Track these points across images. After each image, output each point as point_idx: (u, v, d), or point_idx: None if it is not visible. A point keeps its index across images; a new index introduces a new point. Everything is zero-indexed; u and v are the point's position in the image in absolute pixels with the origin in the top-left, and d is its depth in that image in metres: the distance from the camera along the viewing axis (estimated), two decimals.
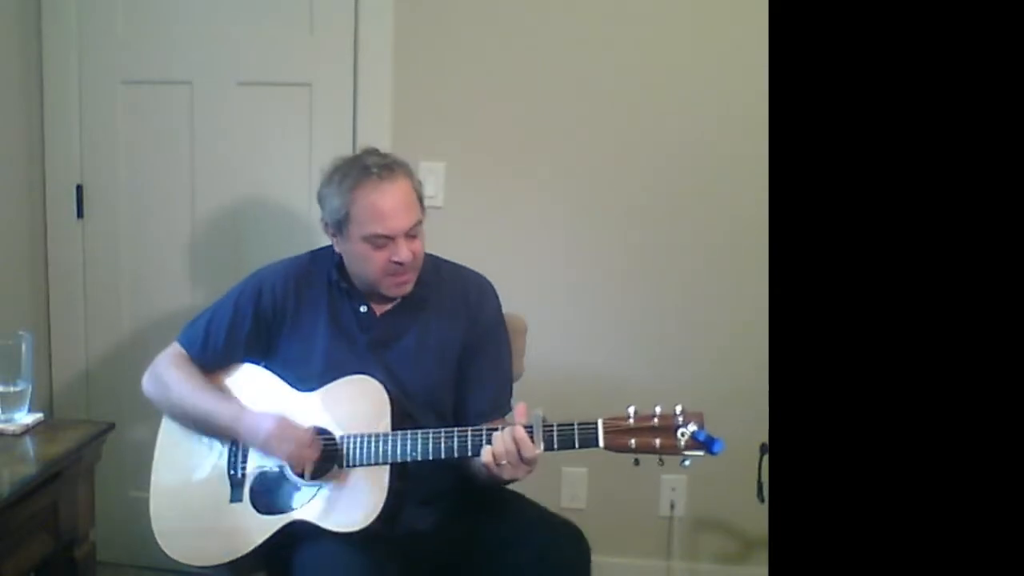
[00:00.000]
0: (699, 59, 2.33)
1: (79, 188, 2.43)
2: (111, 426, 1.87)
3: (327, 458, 1.63)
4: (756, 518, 2.12)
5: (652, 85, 2.34)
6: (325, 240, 1.85)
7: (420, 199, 1.70)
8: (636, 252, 2.41)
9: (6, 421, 1.78)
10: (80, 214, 2.44)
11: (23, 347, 1.79)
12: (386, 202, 1.64)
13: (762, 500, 2.04)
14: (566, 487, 2.47)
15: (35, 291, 2.44)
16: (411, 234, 1.67)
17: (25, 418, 1.80)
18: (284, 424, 1.65)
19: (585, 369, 2.42)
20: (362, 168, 1.66)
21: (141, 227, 2.45)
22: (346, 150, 2.33)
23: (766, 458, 2.02)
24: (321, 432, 1.65)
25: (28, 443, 1.75)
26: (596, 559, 1.65)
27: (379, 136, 2.30)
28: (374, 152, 1.71)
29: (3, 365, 1.78)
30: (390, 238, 1.64)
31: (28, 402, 1.82)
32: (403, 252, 1.65)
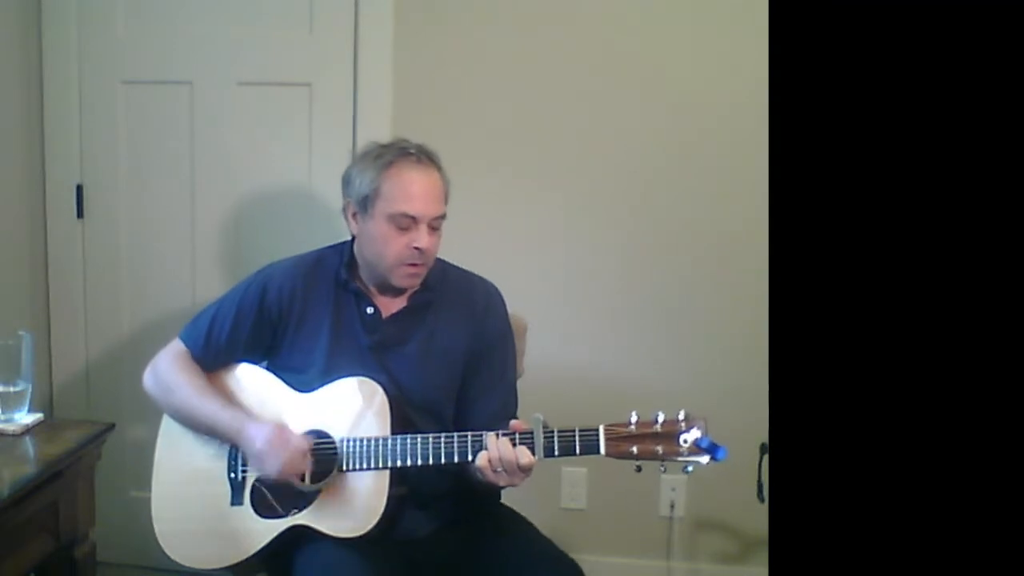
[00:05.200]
0: (699, 58, 2.33)
1: (79, 188, 2.43)
2: (111, 426, 1.87)
3: (326, 462, 1.62)
4: (756, 518, 2.11)
5: (652, 85, 2.34)
6: (323, 241, 1.85)
7: (446, 196, 1.71)
8: (636, 252, 2.41)
9: (6, 421, 1.78)
10: (80, 214, 2.44)
11: (23, 347, 1.79)
12: (419, 184, 1.65)
13: (762, 500, 2.03)
14: (566, 487, 2.47)
15: (35, 291, 2.44)
16: (433, 225, 1.67)
17: (25, 418, 1.80)
18: (279, 434, 1.62)
19: (585, 369, 2.42)
20: (400, 149, 1.68)
21: (141, 227, 2.45)
22: (346, 150, 2.34)
23: (766, 458, 2.02)
24: (319, 435, 1.64)
25: (28, 443, 1.75)
26: (596, 559, 1.65)
27: (379, 136, 2.29)
28: (409, 141, 1.72)
29: (3, 365, 1.78)
30: (416, 220, 1.64)
31: (28, 402, 1.81)
32: (424, 239, 1.65)
